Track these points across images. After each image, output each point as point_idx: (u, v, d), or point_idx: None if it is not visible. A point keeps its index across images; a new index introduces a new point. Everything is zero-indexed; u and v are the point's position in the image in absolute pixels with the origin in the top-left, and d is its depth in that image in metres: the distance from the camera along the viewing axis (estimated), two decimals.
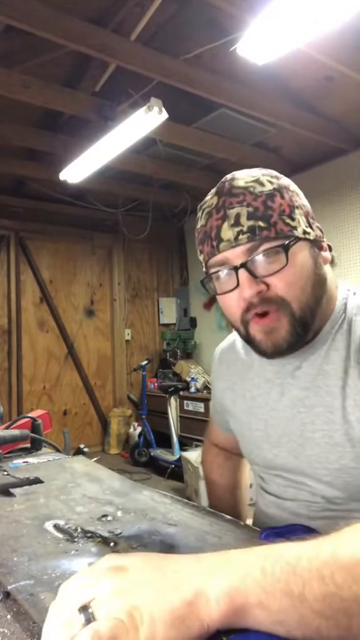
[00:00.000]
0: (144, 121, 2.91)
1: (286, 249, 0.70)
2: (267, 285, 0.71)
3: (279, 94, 3.28)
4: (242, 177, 0.74)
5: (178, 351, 5.62)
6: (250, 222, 0.70)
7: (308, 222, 0.75)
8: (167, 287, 6.10)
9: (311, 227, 0.75)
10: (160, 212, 5.57)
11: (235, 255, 0.72)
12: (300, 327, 0.73)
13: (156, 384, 5.29)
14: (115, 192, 4.95)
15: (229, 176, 0.76)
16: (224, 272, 0.74)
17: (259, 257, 0.71)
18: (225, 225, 0.71)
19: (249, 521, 0.97)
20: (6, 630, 0.47)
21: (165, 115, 2.86)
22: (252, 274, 0.71)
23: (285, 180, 0.76)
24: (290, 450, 0.80)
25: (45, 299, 5.14)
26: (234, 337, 0.97)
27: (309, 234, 0.74)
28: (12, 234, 4.95)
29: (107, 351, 5.55)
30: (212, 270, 0.76)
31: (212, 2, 2.30)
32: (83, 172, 3.75)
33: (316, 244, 0.76)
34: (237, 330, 0.79)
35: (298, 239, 0.72)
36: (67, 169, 3.73)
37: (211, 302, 5.58)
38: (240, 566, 0.41)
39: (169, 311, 5.96)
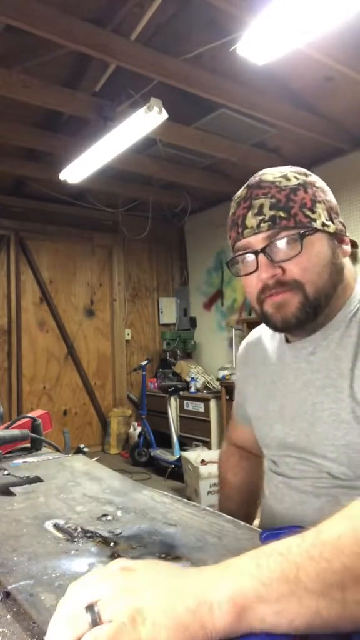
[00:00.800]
0: (144, 121, 2.91)
1: (302, 237, 0.77)
2: (284, 270, 0.78)
3: (279, 94, 3.28)
4: (272, 172, 0.82)
5: (178, 351, 5.62)
6: (272, 212, 0.77)
7: (330, 216, 0.81)
8: (167, 287, 6.10)
9: (332, 221, 0.81)
10: (160, 212, 5.57)
11: (257, 241, 0.79)
12: (311, 309, 0.79)
13: (156, 384, 5.29)
14: (115, 192, 4.95)
15: (261, 171, 0.84)
16: (247, 256, 0.82)
17: (277, 244, 0.78)
18: (250, 214, 0.79)
19: (256, 521, 0.98)
20: (6, 630, 0.47)
21: (165, 115, 2.86)
22: (271, 258, 0.78)
23: (313, 178, 0.83)
24: (302, 429, 0.84)
25: (45, 299, 5.14)
26: (260, 331, 1.04)
27: (328, 227, 0.80)
28: (12, 234, 4.95)
29: (107, 351, 5.55)
30: (237, 253, 0.84)
31: (212, 2, 2.30)
32: (83, 172, 3.75)
33: (336, 237, 0.82)
34: (254, 308, 0.86)
35: (316, 230, 0.78)
36: (67, 169, 3.73)
37: (211, 302, 5.58)
38: (237, 569, 0.42)
39: (169, 311, 5.96)
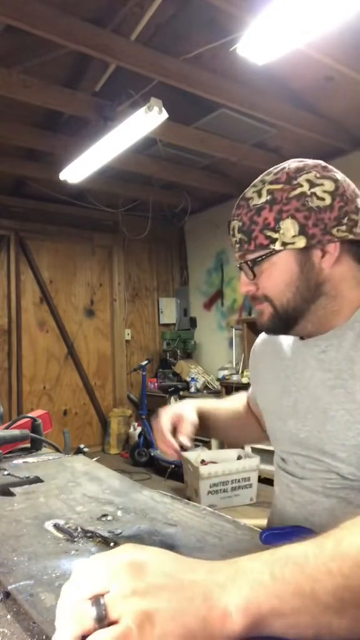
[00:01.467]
0: (144, 121, 2.91)
1: (253, 264, 0.83)
2: (258, 286, 0.85)
3: (279, 94, 3.28)
4: (256, 183, 0.85)
5: (178, 351, 5.62)
6: (239, 235, 0.84)
7: (303, 229, 0.78)
8: (167, 287, 6.10)
9: (305, 234, 0.78)
10: (160, 212, 5.57)
11: (238, 257, 0.88)
12: (281, 321, 0.86)
13: (156, 384, 5.29)
14: (115, 192, 4.95)
15: (254, 181, 0.86)
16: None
17: (244, 265, 0.85)
18: (230, 233, 0.88)
19: (264, 521, 0.99)
20: (6, 630, 0.47)
21: (165, 115, 2.86)
22: (247, 275, 0.86)
23: (299, 180, 0.79)
24: (313, 426, 0.85)
25: (45, 299, 5.14)
26: None
27: (293, 243, 0.79)
28: (12, 234, 4.95)
29: (107, 351, 5.55)
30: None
31: (212, 2, 2.30)
32: (83, 172, 3.75)
33: (313, 248, 0.80)
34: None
35: (274, 251, 0.81)
36: (67, 169, 3.73)
37: (211, 302, 5.58)
38: (250, 576, 0.41)
39: (169, 311, 5.96)
